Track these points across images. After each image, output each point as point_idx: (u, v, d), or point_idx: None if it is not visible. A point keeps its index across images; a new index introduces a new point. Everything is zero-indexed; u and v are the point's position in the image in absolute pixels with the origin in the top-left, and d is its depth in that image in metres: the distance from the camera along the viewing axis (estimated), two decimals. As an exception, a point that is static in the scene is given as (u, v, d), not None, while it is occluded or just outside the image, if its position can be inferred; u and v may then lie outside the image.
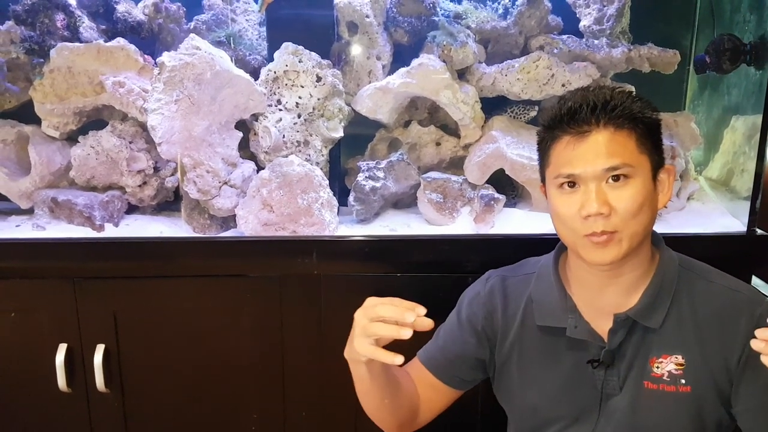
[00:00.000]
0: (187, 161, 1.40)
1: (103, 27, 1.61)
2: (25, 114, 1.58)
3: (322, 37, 1.58)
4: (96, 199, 1.49)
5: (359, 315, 0.92)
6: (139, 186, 1.54)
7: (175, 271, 1.39)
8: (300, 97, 1.53)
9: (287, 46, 1.52)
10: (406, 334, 0.85)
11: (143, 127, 1.52)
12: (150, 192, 1.55)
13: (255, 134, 1.53)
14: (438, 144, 1.64)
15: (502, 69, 1.57)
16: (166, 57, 1.38)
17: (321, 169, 1.51)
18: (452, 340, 1.12)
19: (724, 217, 1.54)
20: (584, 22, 1.65)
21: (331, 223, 1.43)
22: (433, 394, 1.12)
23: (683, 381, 0.96)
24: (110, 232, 1.47)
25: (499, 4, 1.67)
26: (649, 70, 1.61)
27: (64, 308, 1.38)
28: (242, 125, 1.53)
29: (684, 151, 1.60)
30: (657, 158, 0.96)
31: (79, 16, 1.55)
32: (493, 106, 1.65)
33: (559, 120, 0.95)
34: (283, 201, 1.40)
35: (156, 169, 1.55)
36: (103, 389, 1.39)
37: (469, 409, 1.18)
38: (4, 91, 1.59)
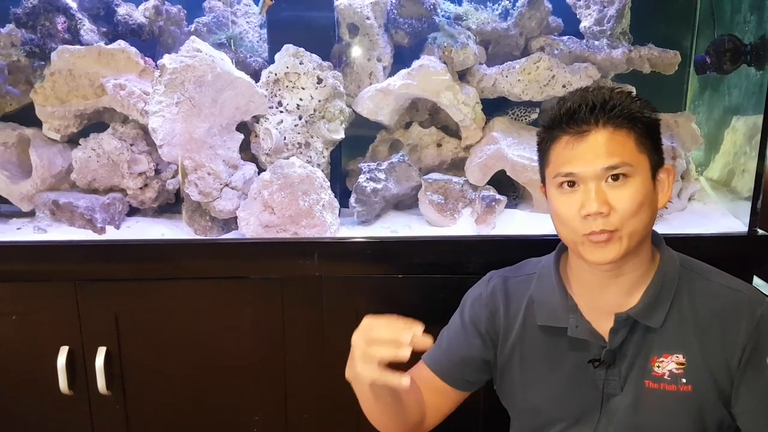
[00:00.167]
0: (188, 163, 1.40)
1: (104, 29, 1.61)
2: (26, 117, 1.58)
3: (323, 38, 1.58)
4: (97, 201, 1.49)
5: (357, 338, 0.90)
6: (140, 188, 1.54)
7: (177, 273, 1.39)
8: (301, 99, 1.54)
9: (288, 48, 1.52)
10: (405, 355, 0.84)
11: (144, 129, 1.52)
12: (151, 194, 1.55)
13: (256, 136, 1.53)
14: (439, 145, 1.64)
15: (503, 70, 1.57)
16: (166, 59, 1.38)
17: (322, 170, 1.51)
18: (457, 343, 1.12)
19: (725, 218, 1.54)
20: (585, 23, 1.65)
21: (333, 224, 1.43)
22: (438, 397, 1.12)
23: (684, 380, 0.96)
24: (111, 234, 1.47)
25: (499, 5, 1.67)
26: (649, 71, 1.61)
27: (66, 310, 1.38)
28: (243, 127, 1.53)
29: (685, 151, 1.60)
30: (656, 158, 0.96)
31: (79, 19, 1.55)
32: (494, 107, 1.65)
33: (559, 120, 0.95)
34: (285, 203, 1.40)
35: (157, 172, 1.55)
36: (105, 391, 1.39)
37: (471, 409, 1.18)
38: (5, 93, 1.59)
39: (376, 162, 1.55)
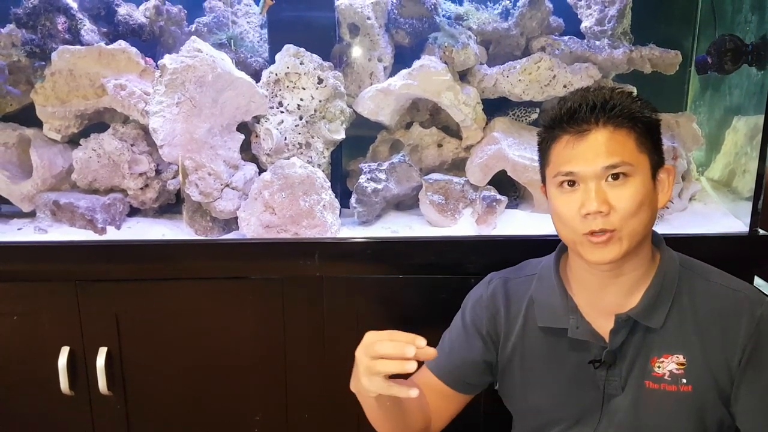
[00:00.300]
0: (189, 164, 1.40)
1: (105, 30, 1.61)
2: (27, 117, 1.58)
3: (324, 39, 1.58)
4: (98, 201, 1.49)
5: (360, 354, 0.90)
6: (141, 188, 1.54)
7: (177, 273, 1.39)
8: (301, 99, 1.53)
9: (288, 48, 1.52)
10: (411, 367, 0.84)
11: (145, 129, 1.52)
12: (152, 194, 1.55)
13: (256, 136, 1.53)
14: (440, 145, 1.64)
15: (504, 70, 1.57)
16: (167, 59, 1.38)
17: (323, 171, 1.51)
18: (459, 346, 1.12)
19: (726, 218, 1.54)
20: (585, 23, 1.65)
21: (333, 225, 1.43)
22: (443, 401, 1.12)
23: (684, 381, 0.96)
24: (112, 234, 1.47)
25: (499, 5, 1.67)
26: (650, 71, 1.61)
27: (67, 311, 1.38)
28: (244, 127, 1.53)
29: (686, 151, 1.60)
30: (656, 158, 0.96)
31: (80, 19, 1.55)
32: (495, 107, 1.65)
33: (559, 120, 0.96)
34: (285, 203, 1.40)
35: (158, 172, 1.55)
36: (106, 392, 1.39)
37: (472, 410, 1.18)
38: (6, 94, 1.59)
39: (377, 162, 1.55)
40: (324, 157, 1.56)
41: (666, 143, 1.50)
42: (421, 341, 0.85)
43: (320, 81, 1.53)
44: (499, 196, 1.51)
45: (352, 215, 1.53)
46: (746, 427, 0.95)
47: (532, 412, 1.08)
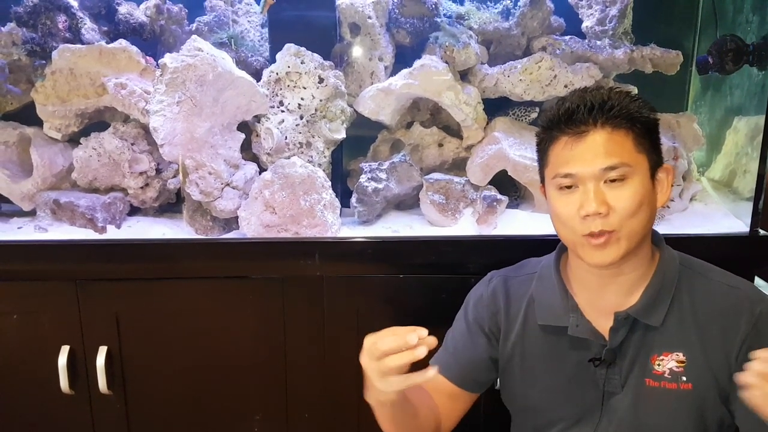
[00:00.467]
0: (189, 163, 1.40)
1: (105, 28, 1.61)
2: (27, 116, 1.58)
3: (324, 38, 1.58)
4: (98, 200, 1.49)
5: (365, 360, 0.89)
6: (141, 188, 1.54)
7: (178, 272, 1.39)
8: (302, 99, 1.53)
9: (289, 48, 1.52)
10: (421, 351, 0.84)
11: (145, 128, 1.52)
12: (152, 194, 1.55)
13: (257, 136, 1.53)
14: (440, 145, 1.64)
15: (505, 70, 1.57)
16: (168, 58, 1.38)
17: (323, 170, 1.50)
18: (463, 345, 1.12)
19: (727, 218, 1.54)
20: (586, 23, 1.65)
21: (334, 224, 1.43)
22: (451, 402, 1.12)
23: (684, 378, 0.97)
24: (112, 233, 1.47)
25: (500, 4, 1.67)
26: (651, 71, 1.60)
27: (67, 310, 1.38)
28: (244, 127, 1.53)
29: (686, 152, 1.60)
30: (655, 158, 0.96)
31: (80, 18, 1.55)
32: (496, 107, 1.65)
33: (557, 121, 0.96)
34: (286, 203, 1.40)
35: (158, 171, 1.55)
36: (106, 391, 1.39)
37: (472, 409, 1.18)
38: (6, 93, 1.59)
39: (378, 162, 1.55)
40: (324, 157, 1.56)
41: (667, 143, 1.51)
42: (423, 331, 0.85)
43: (321, 80, 1.53)
44: (499, 196, 1.50)
45: (353, 215, 1.53)
46: (744, 424, 0.95)
47: (532, 410, 1.09)
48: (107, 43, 1.52)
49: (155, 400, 1.44)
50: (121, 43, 1.50)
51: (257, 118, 1.53)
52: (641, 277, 1.00)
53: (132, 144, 1.53)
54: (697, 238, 1.40)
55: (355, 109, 1.60)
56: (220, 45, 1.56)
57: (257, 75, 1.54)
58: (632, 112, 0.93)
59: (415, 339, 0.84)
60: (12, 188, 1.52)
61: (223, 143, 1.46)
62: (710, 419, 0.97)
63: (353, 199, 1.51)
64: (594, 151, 0.92)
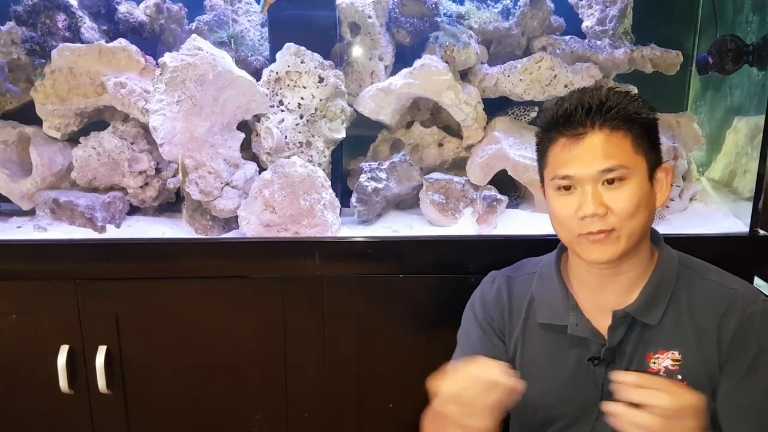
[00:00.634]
0: (189, 162, 1.40)
1: (105, 28, 1.61)
2: (27, 115, 1.58)
3: (324, 37, 1.57)
4: (97, 200, 1.49)
5: (451, 409, 0.90)
6: (141, 187, 1.54)
7: (177, 272, 1.39)
8: (302, 98, 1.53)
9: (289, 47, 1.52)
10: (515, 383, 0.89)
11: (145, 128, 1.52)
12: (152, 193, 1.54)
13: (257, 135, 1.53)
14: (440, 145, 1.64)
15: (505, 70, 1.57)
16: (167, 58, 1.37)
17: (323, 170, 1.50)
18: (482, 346, 1.11)
19: (727, 218, 1.54)
20: (587, 23, 1.65)
21: (334, 224, 1.43)
22: None
23: (679, 377, 0.97)
24: (112, 233, 1.47)
25: (500, 4, 1.67)
26: (651, 71, 1.60)
27: (66, 310, 1.37)
28: (244, 126, 1.53)
29: (686, 152, 1.60)
30: (654, 158, 0.97)
31: (80, 17, 1.55)
32: (496, 107, 1.65)
33: (555, 122, 0.96)
34: (286, 202, 1.40)
35: (158, 170, 1.55)
36: (105, 391, 1.39)
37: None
38: (6, 92, 1.59)
39: (378, 161, 1.55)
40: (324, 156, 1.56)
41: (667, 143, 1.51)
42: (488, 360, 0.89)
43: (321, 80, 1.53)
44: (499, 196, 1.50)
45: (353, 214, 1.53)
46: (724, 419, 0.95)
47: (531, 408, 1.09)
48: (107, 42, 1.52)
49: (155, 400, 1.44)
50: (121, 42, 1.50)
51: (257, 118, 1.53)
52: (640, 276, 1.00)
53: (131, 143, 1.52)
54: (697, 238, 1.40)
55: (355, 109, 1.60)
56: (220, 44, 1.56)
57: (257, 74, 1.54)
58: (630, 114, 0.93)
59: (498, 373, 0.88)
60: (11, 187, 1.52)
61: (223, 142, 1.46)
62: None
63: (353, 199, 1.51)
64: (592, 153, 0.92)
